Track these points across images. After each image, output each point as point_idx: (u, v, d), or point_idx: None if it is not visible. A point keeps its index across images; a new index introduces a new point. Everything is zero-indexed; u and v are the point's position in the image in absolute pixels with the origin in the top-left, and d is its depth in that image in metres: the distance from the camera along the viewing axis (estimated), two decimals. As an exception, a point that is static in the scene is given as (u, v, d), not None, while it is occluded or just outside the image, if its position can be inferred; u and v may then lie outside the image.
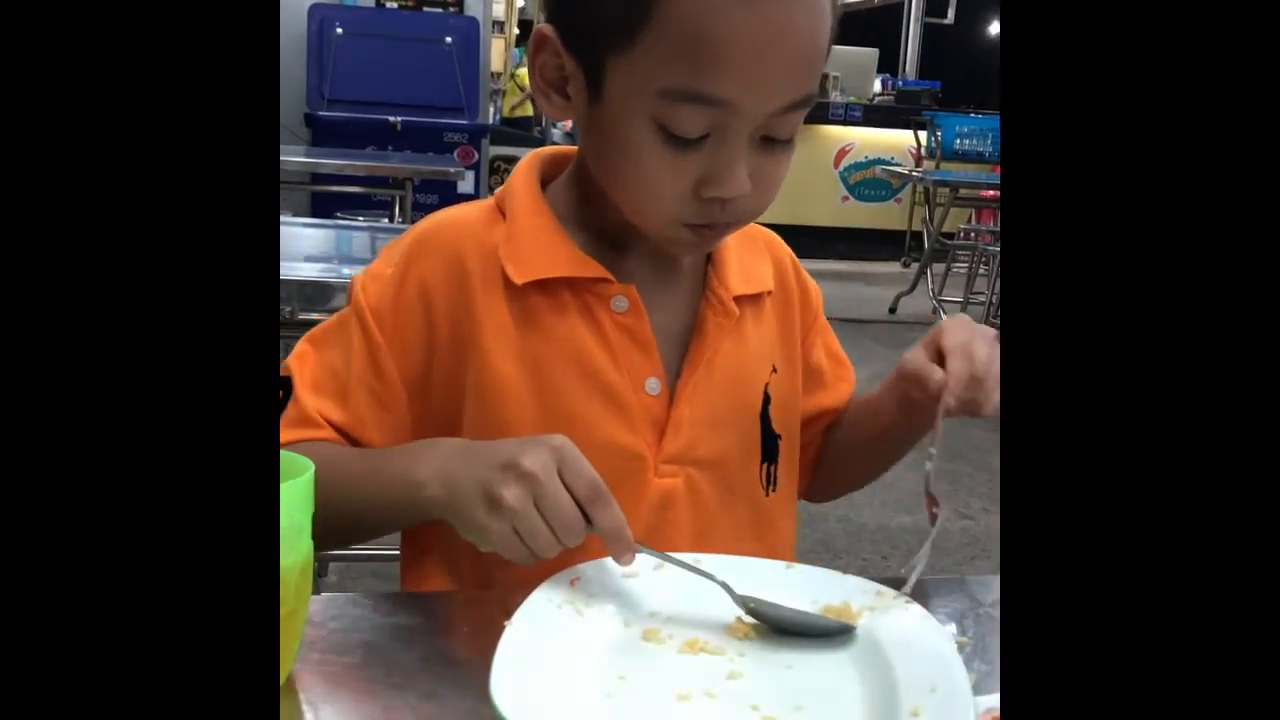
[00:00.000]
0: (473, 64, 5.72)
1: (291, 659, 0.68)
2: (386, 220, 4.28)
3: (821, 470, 1.08)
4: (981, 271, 5.85)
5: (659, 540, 0.86)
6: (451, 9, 6.03)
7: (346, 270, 1.91)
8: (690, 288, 0.94)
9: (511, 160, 5.90)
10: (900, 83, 9.70)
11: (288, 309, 1.68)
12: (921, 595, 0.79)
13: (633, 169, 0.81)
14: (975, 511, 3.37)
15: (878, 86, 9.38)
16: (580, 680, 0.67)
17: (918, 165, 7.52)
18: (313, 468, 0.67)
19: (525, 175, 0.94)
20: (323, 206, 4.90)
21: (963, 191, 6.17)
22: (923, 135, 7.59)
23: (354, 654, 0.72)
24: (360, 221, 4.09)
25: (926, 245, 6.44)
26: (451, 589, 0.93)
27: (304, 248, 2.36)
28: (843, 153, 8.29)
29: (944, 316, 5.80)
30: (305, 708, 0.66)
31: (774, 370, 0.97)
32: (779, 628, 0.74)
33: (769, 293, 0.99)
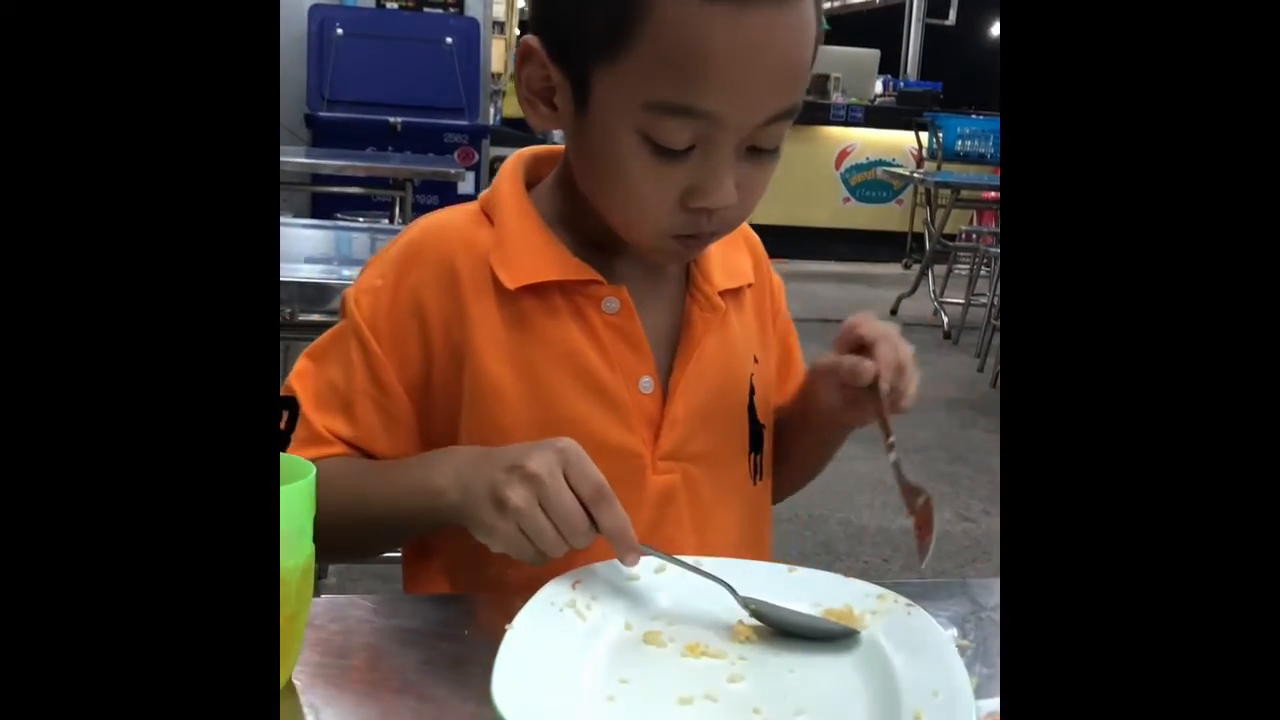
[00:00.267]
0: (473, 65, 5.72)
1: (292, 661, 0.68)
2: (387, 221, 4.28)
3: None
4: (983, 273, 5.85)
5: (660, 536, 0.87)
6: (452, 9, 6.03)
7: (347, 271, 1.91)
8: (676, 285, 0.95)
9: (512, 161, 5.87)
10: (901, 84, 9.70)
11: (288, 310, 1.68)
12: (923, 598, 0.78)
13: (619, 179, 0.82)
14: (976, 514, 3.37)
15: (879, 88, 9.38)
16: (582, 683, 0.67)
17: (919, 166, 7.51)
18: (314, 470, 0.67)
19: (511, 178, 0.94)
20: (323, 207, 4.90)
21: (964, 193, 6.17)
22: (924, 136, 7.58)
23: (355, 656, 0.72)
24: (360, 222, 4.08)
25: (928, 247, 6.43)
26: (452, 592, 0.93)
27: (304, 249, 2.36)
28: (844, 154, 8.30)
29: (944, 317, 5.80)
30: (306, 710, 0.66)
31: (755, 361, 0.99)
32: (782, 630, 0.74)
33: (749, 285, 1.00)
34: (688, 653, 0.72)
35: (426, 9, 6.01)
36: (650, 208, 0.82)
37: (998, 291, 5.08)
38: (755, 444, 0.99)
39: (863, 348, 0.90)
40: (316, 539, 0.87)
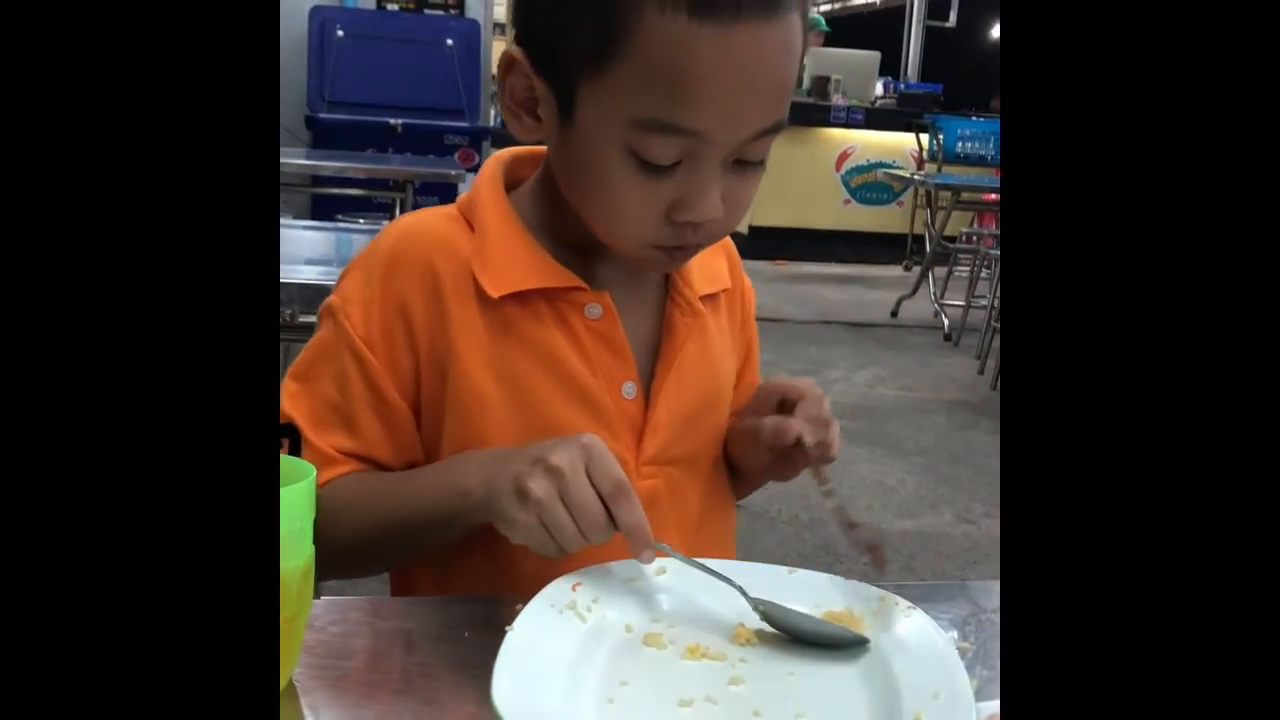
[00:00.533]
0: (473, 66, 5.72)
1: (293, 663, 0.68)
2: (387, 223, 4.27)
3: None
4: (983, 275, 5.84)
5: None
6: (452, 11, 6.03)
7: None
8: (657, 290, 0.95)
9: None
10: (902, 86, 9.70)
11: (288, 312, 1.68)
12: (923, 601, 0.78)
13: (604, 192, 0.81)
14: (977, 516, 3.37)
15: (879, 90, 9.38)
16: (582, 685, 0.67)
17: (919, 168, 7.51)
18: (314, 472, 0.67)
19: (490, 182, 0.93)
20: (323, 209, 4.90)
21: (964, 195, 6.17)
22: (924, 138, 7.58)
23: (355, 658, 0.72)
24: (361, 224, 4.08)
25: (928, 248, 6.43)
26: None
27: (304, 250, 2.36)
28: (844, 156, 8.29)
29: (945, 319, 5.79)
30: (306, 711, 0.66)
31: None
32: (790, 633, 0.74)
33: (725, 290, 1.01)
34: (688, 655, 0.72)
35: (427, 11, 6.01)
36: (635, 220, 0.82)
37: (998, 293, 5.08)
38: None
39: (783, 406, 0.92)
40: (348, 558, 0.88)
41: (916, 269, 7.04)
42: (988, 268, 5.74)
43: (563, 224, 0.89)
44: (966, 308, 5.83)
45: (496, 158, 0.96)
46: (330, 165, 4.13)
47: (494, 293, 0.87)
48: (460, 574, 0.91)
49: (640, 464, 0.91)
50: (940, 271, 6.52)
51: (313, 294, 1.70)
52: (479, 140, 5.66)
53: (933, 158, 7.20)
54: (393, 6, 5.99)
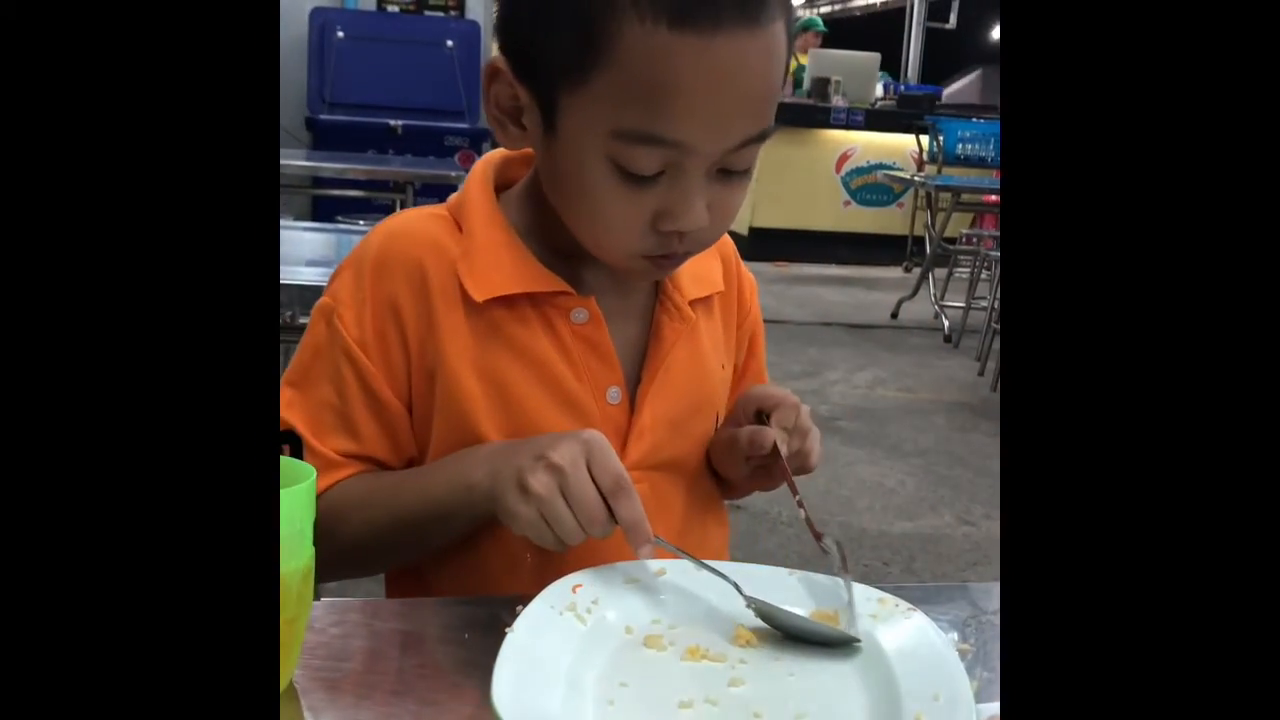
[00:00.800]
0: (474, 67, 5.72)
1: (293, 665, 0.68)
2: (383, 224, 4.27)
3: None
4: (984, 276, 5.84)
5: None
6: (452, 12, 6.04)
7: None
8: (646, 295, 0.95)
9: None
10: (902, 87, 9.70)
11: (288, 313, 1.68)
12: (923, 602, 0.78)
13: (588, 203, 0.81)
14: (977, 518, 3.36)
15: (879, 91, 9.38)
16: (582, 687, 0.67)
17: (920, 170, 7.51)
18: (314, 474, 0.67)
19: (480, 183, 0.92)
20: (324, 210, 4.91)
21: (965, 196, 6.16)
22: (924, 140, 7.58)
23: (355, 660, 0.72)
24: (361, 225, 4.09)
25: (928, 250, 6.43)
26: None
27: (304, 252, 2.36)
28: (844, 157, 8.29)
29: (945, 321, 5.79)
30: (306, 712, 0.66)
31: (723, 366, 1.00)
32: (784, 632, 0.74)
33: (719, 293, 1.01)
34: (688, 656, 0.72)
35: (427, 12, 6.02)
36: (620, 230, 0.81)
37: (998, 295, 5.08)
38: None
39: (760, 415, 0.92)
40: (359, 557, 0.88)
41: (917, 270, 7.04)
42: (988, 269, 5.74)
43: (550, 229, 0.89)
44: (967, 309, 5.83)
45: (487, 158, 0.95)
46: (330, 167, 4.14)
47: (478, 296, 0.87)
48: (461, 567, 0.91)
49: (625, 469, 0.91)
50: (940, 273, 6.52)
51: (313, 296, 1.68)
52: (479, 141, 5.66)
53: (933, 159, 7.19)
54: (393, 8, 6.00)
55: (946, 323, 5.97)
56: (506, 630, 0.69)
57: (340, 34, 5.56)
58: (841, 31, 11.07)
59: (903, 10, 10.92)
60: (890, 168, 7.73)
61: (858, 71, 8.48)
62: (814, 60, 8.41)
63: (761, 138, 0.79)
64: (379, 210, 4.69)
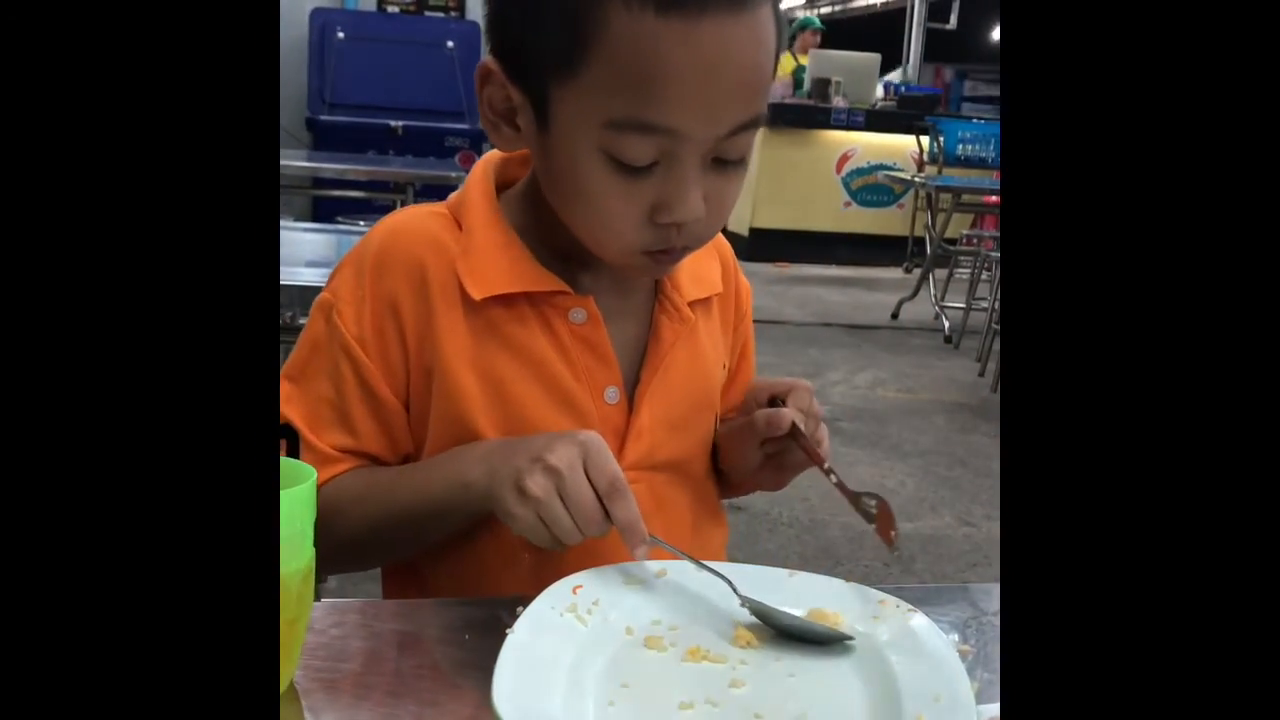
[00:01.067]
0: (474, 68, 5.70)
1: (293, 666, 0.68)
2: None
3: None
4: (984, 277, 5.84)
5: None
6: (453, 13, 6.05)
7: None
8: (645, 295, 0.95)
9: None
10: (902, 88, 9.70)
11: (288, 314, 1.68)
12: (924, 603, 0.78)
13: (584, 197, 0.81)
14: (977, 519, 3.36)
15: (880, 92, 9.38)
16: (583, 687, 0.67)
17: (920, 170, 7.50)
18: (314, 475, 0.67)
19: (480, 183, 0.93)
20: (324, 211, 4.92)
21: (965, 197, 6.16)
22: (925, 140, 7.58)
23: (355, 661, 0.72)
24: (361, 226, 4.09)
25: (929, 251, 6.43)
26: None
27: (304, 252, 2.36)
28: (845, 158, 8.29)
29: (945, 322, 5.79)
30: (307, 714, 0.66)
31: (723, 367, 1.01)
32: (779, 630, 0.74)
33: (718, 294, 1.01)
34: (689, 657, 0.72)
35: (427, 13, 6.02)
36: (617, 224, 0.81)
37: (999, 296, 5.08)
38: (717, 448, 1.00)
39: (772, 402, 0.92)
40: (355, 552, 0.89)
41: (917, 271, 7.03)
42: (988, 270, 5.74)
43: (549, 229, 0.89)
44: (967, 310, 5.83)
45: (488, 158, 0.95)
46: (331, 167, 4.14)
47: (477, 295, 0.87)
48: (458, 564, 0.91)
49: (623, 469, 0.91)
50: (941, 274, 6.52)
51: (313, 296, 1.68)
52: (479, 142, 5.66)
53: (933, 160, 7.19)
54: (393, 8, 6.01)
55: (947, 323, 5.97)
56: (507, 631, 0.69)
57: (340, 34, 5.56)
58: (841, 31, 11.07)
59: (903, 10, 10.93)
60: (891, 168, 7.73)
61: (858, 72, 8.48)
62: (814, 61, 8.41)
63: (753, 124, 0.79)
64: (379, 211, 4.69)
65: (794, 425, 0.89)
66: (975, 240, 6.26)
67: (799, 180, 7.99)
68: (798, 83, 8.49)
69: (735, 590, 0.77)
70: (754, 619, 0.76)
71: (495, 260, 0.88)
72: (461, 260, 0.88)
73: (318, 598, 0.74)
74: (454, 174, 4.03)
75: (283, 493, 0.61)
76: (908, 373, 5.17)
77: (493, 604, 0.79)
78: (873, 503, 0.85)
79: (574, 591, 0.76)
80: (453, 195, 0.94)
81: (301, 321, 1.65)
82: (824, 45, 8.96)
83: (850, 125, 8.15)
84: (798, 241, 8.05)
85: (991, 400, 4.71)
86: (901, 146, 8.09)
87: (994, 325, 5.12)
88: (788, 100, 8.10)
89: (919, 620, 0.75)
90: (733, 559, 0.92)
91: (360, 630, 0.75)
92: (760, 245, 7.64)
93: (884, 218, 8.39)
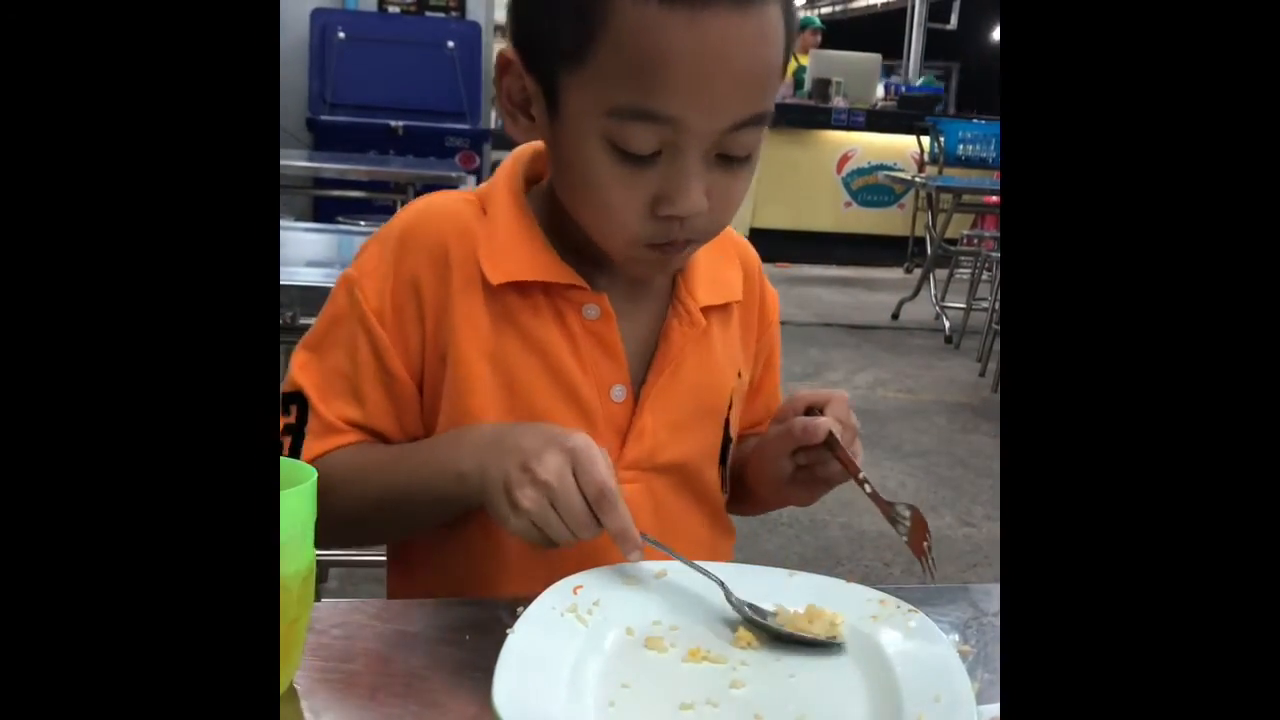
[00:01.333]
0: (475, 68, 5.73)
1: (294, 666, 0.68)
2: (389, 223, 4.28)
3: None
4: (984, 277, 5.84)
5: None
6: (453, 13, 6.04)
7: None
8: (659, 297, 0.95)
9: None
10: (903, 88, 9.70)
11: (288, 314, 1.68)
12: (924, 604, 0.78)
13: (589, 187, 0.82)
14: (977, 519, 3.36)
15: (880, 92, 9.38)
16: (583, 688, 0.67)
17: (920, 171, 7.51)
18: (314, 475, 0.67)
19: (509, 174, 0.94)
20: (324, 211, 4.91)
21: (965, 197, 6.16)
22: (925, 141, 7.58)
23: (356, 661, 0.72)
24: (362, 226, 4.09)
25: (929, 251, 6.43)
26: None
27: (305, 252, 2.36)
28: (845, 158, 8.29)
29: (946, 322, 5.79)
30: (307, 714, 0.66)
31: (739, 375, 1.00)
32: (771, 634, 0.74)
33: (738, 301, 1.00)
34: (689, 658, 0.72)
35: (428, 13, 6.02)
36: (619, 214, 0.82)
37: (999, 296, 5.08)
38: (724, 456, 1.00)
39: (810, 412, 0.91)
40: (347, 531, 0.89)
41: (917, 271, 7.03)
42: (989, 270, 5.74)
43: (566, 226, 0.90)
44: (967, 310, 5.83)
45: (517, 153, 0.96)
46: (331, 167, 4.14)
47: (494, 279, 0.88)
48: (456, 556, 0.92)
49: (621, 468, 0.91)
50: (941, 274, 6.52)
51: (313, 296, 1.70)
52: (480, 143, 5.67)
53: (933, 160, 7.19)
54: (394, 9, 6.00)
55: (947, 324, 5.97)
56: (507, 631, 0.69)
57: (341, 35, 5.56)
58: (841, 31, 11.07)
59: (903, 10, 10.93)
60: (891, 169, 7.73)
61: (858, 72, 8.49)
62: (815, 61, 8.42)
63: (757, 121, 0.79)
64: (380, 211, 4.69)
65: (830, 435, 0.88)
66: (976, 240, 6.27)
67: (799, 180, 7.99)
68: (798, 83, 8.50)
69: (727, 593, 0.76)
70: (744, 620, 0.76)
71: (515, 248, 0.89)
72: (483, 245, 0.89)
73: (318, 598, 0.74)
74: (454, 174, 4.03)
75: (283, 494, 0.61)
76: (908, 373, 5.18)
77: (493, 604, 0.79)
78: (906, 513, 0.85)
79: (574, 592, 0.76)
80: (481, 185, 0.96)
81: (301, 322, 1.66)
82: (824, 45, 8.96)
83: (851, 125, 8.16)
84: (798, 241, 8.05)
85: (992, 400, 4.71)
86: (902, 147, 8.09)
87: (994, 325, 5.12)
88: (788, 100, 8.10)
89: (920, 620, 0.75)
90: (733, 559, 0.92)
91: (361, 630, 0.76)
92: (760, 245, 7.48)
93: (884, 218, 8.39)
